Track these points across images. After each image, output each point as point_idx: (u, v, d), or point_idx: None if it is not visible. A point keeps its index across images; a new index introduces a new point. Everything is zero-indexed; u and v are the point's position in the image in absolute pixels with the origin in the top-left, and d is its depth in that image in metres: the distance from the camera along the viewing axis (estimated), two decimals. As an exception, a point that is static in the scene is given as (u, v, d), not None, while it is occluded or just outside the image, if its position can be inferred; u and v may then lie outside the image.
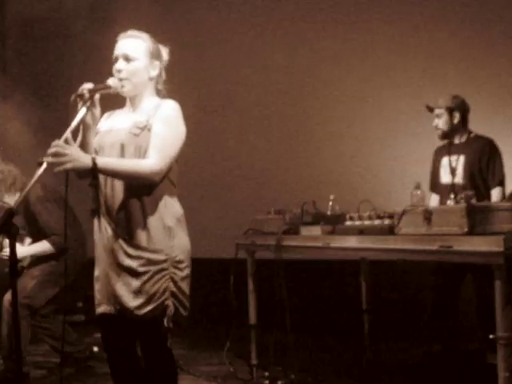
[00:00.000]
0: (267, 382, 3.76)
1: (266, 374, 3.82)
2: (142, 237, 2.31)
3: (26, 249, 3.94)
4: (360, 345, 4.42)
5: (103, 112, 2.52)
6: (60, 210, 3.77)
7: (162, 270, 2.32)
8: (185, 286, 2.38)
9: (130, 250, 2.32)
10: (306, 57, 5.42)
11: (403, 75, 4.90)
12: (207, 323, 5.64)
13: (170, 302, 2.32)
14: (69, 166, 2.17)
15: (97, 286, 2.43)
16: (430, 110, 4.07)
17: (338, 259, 4.75)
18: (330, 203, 3.65)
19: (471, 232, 2.47)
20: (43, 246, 3.88)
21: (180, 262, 2.37)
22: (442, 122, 4.02)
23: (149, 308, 2.30)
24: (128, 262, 2.32)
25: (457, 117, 4.01)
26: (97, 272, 2.44)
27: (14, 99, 5.11)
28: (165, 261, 2.32)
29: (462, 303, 4.10)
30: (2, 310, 3.87)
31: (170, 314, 2.32)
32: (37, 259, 3.94)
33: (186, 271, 2.40)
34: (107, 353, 2.50)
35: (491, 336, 2.43)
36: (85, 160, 2.20)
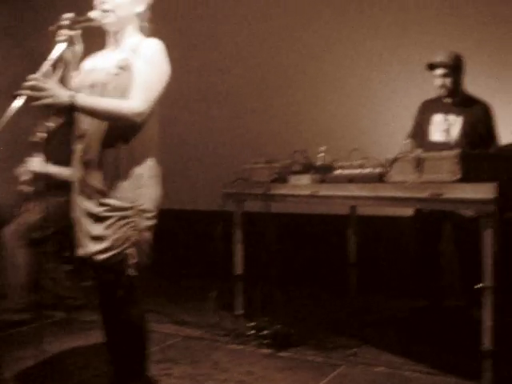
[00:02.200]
0: (253, 331, 3.74)
1: (252, 323, 3.79)
2: (110, 184, 2.24)
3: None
4: (346, 298, 4.41)
5: (88, 50, 2.43)
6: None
7: (126, 217, 2.25)
8: (148, 236, 2.32)
9: (98, 196, 2.26)
10: (300, 13, 5.28)
11: (396, 28, 4.77)
12: (194, 274, 5.63)
13: (131, 251, 2.26)
14: (47, 101, 2.08)
15: (75, 228, 2.39)
16: (432, 67, 3.95)
17: (326, 213, 4.75)
18: (322, 154, 3.58)
19: (464, 179, 2.41)
20: (59, 170, 3.91)
21: (146, 210, 2.29)
22: (449, 81, 3.91)
23: (109, 254, 2.24)
24: (93, 207, 2.26)
25: (461, 75, 3.93)
26: (72, 213, 2.40)
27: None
28: (130, 208, 2.25)
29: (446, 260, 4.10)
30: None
31: (130, 262, 2.26)
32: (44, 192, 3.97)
33: (152, 221, 2.33)
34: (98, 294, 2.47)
35: (477, 286, 2.39)
36: (64, 96, 2.11)
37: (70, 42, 2.27)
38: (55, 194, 3.94)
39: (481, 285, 2.37)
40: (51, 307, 4.28)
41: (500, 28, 4.34)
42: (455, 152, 2.47)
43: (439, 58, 3.92)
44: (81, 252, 2.33)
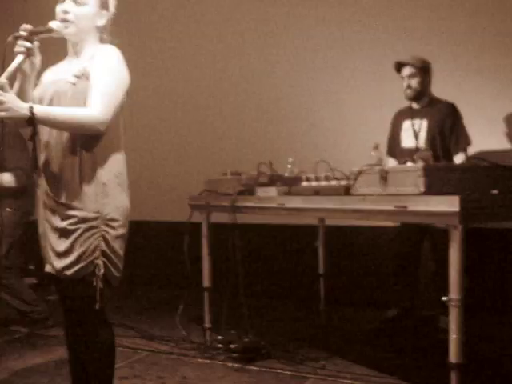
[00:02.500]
0: (220, 345, 3.70)
1: (220, 337, 3.75)
2: (74, 195, 2.18)
3: None
4: (315, 309, 4.40)
5: (46, 62, 2.38)
6: (25, 151, 3.73)
7: (92, 227, 2.18)
8: (117, 246, 2.25)
9: (62, 209, 2.19)
10: (268, 16, 5.27)
11: (360, 37, 4.79)
12: (162, 287, 5.57)
13: (100, 261, 2.19)
14: (4, 114, 2.02)
15: (41, 245, 2.33)
16: (400, 67, 3.98)
17: (295, 224, 4.74)
18: (289, 166, 3.57)
19: (428, 192, 2.41)
20: (4, 178, 3.84)
21: (113, 219, 2.23)
22: (415, 82, 3.96)
23: (77, 267, 2.18)
24: (59, 222, 2.20)
25: (428, 78, 3.97)
26: (39, 229, 2.34)
27: None
28: (95, 218, 2.19)
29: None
30: None
31: (99, 273, 2.19)
32: None
33: (121, 230, 2.26)
34: (64, 312, 2.40)
35: (444, 298, 2.39)
36: (23, 108, 2.05)
37: (29, 53, 2.21)
38: (4, 202, 3.87)
39: (445, 298, 2.36)
40: (14, 322, 4.20)
41: (467, 36, 4.40)
42: (419, 165, 2.47)
43: (406, 59, 3.97)
44: (48, 268, 2.27)
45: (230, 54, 5.44)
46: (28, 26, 2.19)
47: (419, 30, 4.53)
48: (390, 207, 2.49)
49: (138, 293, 5.45)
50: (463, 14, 4.41)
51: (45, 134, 2.24)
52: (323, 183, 2.98)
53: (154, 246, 5.77)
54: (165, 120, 5.77)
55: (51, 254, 2.23)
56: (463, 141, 3.92)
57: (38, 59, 2.27)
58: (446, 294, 2.40)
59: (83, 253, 2.18)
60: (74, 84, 2.19)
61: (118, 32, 2.44)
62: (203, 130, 5.57)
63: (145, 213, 5.44)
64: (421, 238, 4.02)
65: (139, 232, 5.28)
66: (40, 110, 2.09)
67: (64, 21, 2.25)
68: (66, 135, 2.20)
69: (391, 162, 4.08)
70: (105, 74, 2.19)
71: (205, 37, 5.55)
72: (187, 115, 5.62)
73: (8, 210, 3.90)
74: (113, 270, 2.24)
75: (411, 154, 3.67)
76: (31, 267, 5.57)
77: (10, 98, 2.05)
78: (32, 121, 2.08)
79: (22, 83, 2.24)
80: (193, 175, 5.11)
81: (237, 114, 5.38)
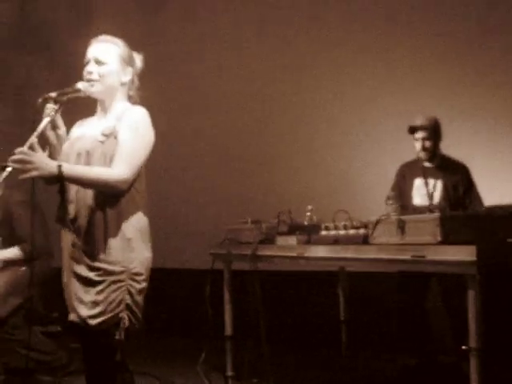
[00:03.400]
0: (242, 394, 3.70)
1: (242, 386, 3.76)
2: (100, 248, 2.27)
3: None
4: (337, 356, 4.38)
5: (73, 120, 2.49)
6: (39, 223, 3.78)
7: (119, 281, 2.27)
8: (140, 299, 2.33)
9: (88, 261, 2.28)
10: (283, 63, 5.41)
11: (379, 90, 4.89)
12: (183, 335, 5.57)
13: (124, 314, 2.27)
14: (34, 173, 2.12)
15: (65, 294, 2.40)
16: (413, 130, 4.04)
17: (316, 270, 4.76)
18: (308, 213, 3.62)
19: (445, 241, 2.45)
20: (14, 252, 3.86)
21: (138, 274, 2.31)
22: (429, 144, 4.01)
23: (102, 318, 2.25)
24: (85, 272, 2.28)
25: (440, 138, 4.03)
26: (64, 279, 2.41)
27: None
28: (122, 272, 2.27)
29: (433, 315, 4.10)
30: None
31: (123, 326, 2.26)
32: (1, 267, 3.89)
33: (144, 284, 2.35)
34: (84, 361, 2.45)
35: (464, 347, 2.40)
36: (51, 167, 2.15)
37: (58, 111, 2.32)
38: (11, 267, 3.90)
39: (465, 347, 2.37)
40: (37, 372, 4.19)
41: (476, 89, 4.47)
42: (436, 215, 2.51)
43: (419, 121, 4.03)
44: (72, 317, 2.32)
45: (250, 103, 5.56)
46: (55, 94, 2.31)
47: (433, 77, 4.62)
48: (408, 257, 2.53)
49: (160, 341, 5.46)
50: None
51: (72, 188, 2.33)
52: (342, 232, 3.02)
53: (176, 294, 5.79)
54: (185, 167, 5.87)
55: (76, 303, 2.30)
56: (477, 204, 3.95)
57: (62, 130, 2.39)
58: (464, 340, 2.42)
59: (109, 305, 2.25)
60: (102, 142, 2.29)
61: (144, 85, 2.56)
62: (223, 177, 5.65)
63: (166, 260, 5.50)
64: (424, 285, 4.01)
65: (160, 279, 5.34)
66: (68, 169, 2.19)
67: (89, 81, 2.37)
68: (91, 191, 2.29)
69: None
70: (131, 136, 2.29)
71: (222, 84, 5.68)
72: (208, 163, 5.72)
73: (22, 268, 3.90)
74: (135, 322, 2.31)
75: (424, 212, 3.73)
76: (55, 315, 5.61)
77: (40, 157, 2.16)
78: (59, 179, 2.19)
79: (51, 154, 2.34)
80: (213, 222, 5.19)
81: (257, 162, 5.46)
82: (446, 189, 3.97)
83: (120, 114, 2.36)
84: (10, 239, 3.87)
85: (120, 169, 2.24)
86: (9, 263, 3.87)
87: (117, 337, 2.25)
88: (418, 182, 4.07)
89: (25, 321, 4.03)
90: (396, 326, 4.13)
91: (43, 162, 2.15)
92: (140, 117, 2.35)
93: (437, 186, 4.00)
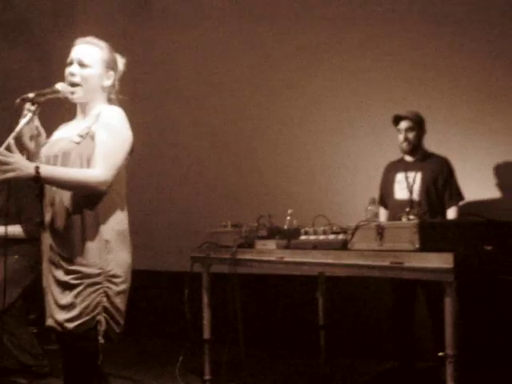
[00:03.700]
0: (220, 398, 3.69)
1: (219, 390, 3.75)
2: (77, 251, 2.24)
3: None
4: (316, 360, 4.38)
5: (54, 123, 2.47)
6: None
7: (95, 283, 2.24)
8: (119, 302, 2.30)
9: (66, 265, 2.25)
10: (270, 68, 5.40)
11: (357, 90, 4.90)
12: (161, 337, 5.55)
13: (101, 317, 2.24)
14: (11, 174, 2.10)
15: (45, 298, 2.37)
16: (398, 119, 4.06)
17: (296, 274, 4.76)
18: (288, 218, 3.62)
19: (423, 248, 2.46)
20: (14, 229, 3.86)
21: (115, 276, 2.28)
22: (412, 135, 4.04)
23: (79, 321, 2.22)
24: (63, 276, 2.25)
25: (422, 132, 4.06)
26: (43, 283, 2.39)
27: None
28: (98, 274, 2.25)
29: (417, 320, 4.12)
30: None
31: (101, 329, 2.24)
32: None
33: (122, 286, 2.32)
34: (63, 365, 2.42)
35: (440, 354, 2.42)
36: (28, 169, 2.13)
37: (36, 112, 2.30)
38: (11, 249, 3.84)
39: (441, 353, 2.39)
40: (14, 373, 4.17)
41: (460, 88, 4.50)
42: (414, 222, 2.52)
43: (404, 112, 4.06)
44: (50, 322, 2.29)
45: (229, 107, 5.56)
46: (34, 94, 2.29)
47: (414, 82, 4.64)
48: (386, 263, 2.54)
49: (137, 343, 5.43)
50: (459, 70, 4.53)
51: (51, 190, 2.31)
52: (321, 237, 3.03)
53: (154, 296, 5.77)
54: (165, 171, 5.85)
55: (53, 306, 2.27)
56: (456, 196, 3.99)
57: (43, 137, 2.39)
58: (443, 345, 2.43)
59: (85, 308, 2.22)
60: (78, 143, 2.27)
61: (122, 89, 2.54)
62: (203, 181, 5.65)
63: (145, 262, 5.47)
64: (414, 288, 4.04)
65: (139, 282, 5.31)
66: (46, 170, 2.16)
67: (71, 83, 2.35)
68: (69, 193, 2.26)
69: (382, 213, 4.15)
70: (108, 136, 2.27)
71: (206, 87, 5.67)
72: (188, 166, 5.71)
73: (15, 257, 3.88)
74: (114, 325, 2.28)
75: (404, 205, 3.75)
76: (32, 316, 5.56)
77: (17, 158, 2.13)
78: (38, 180, 2.16)
79: (30, 159, 2.31)
80: (194, 225, 5.17)
81: (237, 166, 5.46)
82: (424, 181, 3.99)
83: (95, 115, 2.34)
84: (13, 219, 3.86)
85: (100, 170, 2.22)
86: (8, 240, 3.78)
87: (94, 339, 2.22)
88: (400, 177, 4.10)
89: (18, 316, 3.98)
90: (387, 326, 4.16)
91: (20, 163, 2.12)
92: (116, 116, 2.33)
93: (416, 179, 4.03)
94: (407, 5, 4.74)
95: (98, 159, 2.23)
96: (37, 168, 2.14)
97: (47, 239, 2.32)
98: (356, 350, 4.76)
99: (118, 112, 2.35)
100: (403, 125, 4.06)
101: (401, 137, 4.08)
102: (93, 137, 2.28)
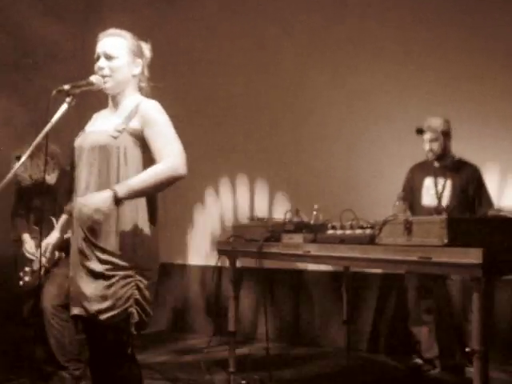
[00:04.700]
0: (244, 390, 3.72)
1: (243, 382, 3.77)
2: (111, 242, 2.28)
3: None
4: (340, 355, 4.39)
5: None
6: None
7: (128, 276, 2.28)
8: (149, 294, 2.35)
9: (99, 254, 2.28)
10: (288, 64, 5.41)
11: (387, 92, 4.89)
12: (187, 330, 5.60)
13: (133, 310, 2.28)
14: (97, 216, 2.15)
15: (71, 288, 2.39)
16: (420, 132, 4.05)
17: (320, 270, 4.78)
18: (314, 212, 3.63)
19: (451, 244, 2.45)
20: None
21: (147, 269, 2.33)
22: (437, 146, 4.02)
23: (112, 313, 2.26)
24: (96, 265, 2.28)
25: (449, 140, 4.04)
26: (70, 273, 2.40)
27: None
28: (131, 268, 2.29)
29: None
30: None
31: (133, 321, 2.28)
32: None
33: (152, 279, 2.37)
34: (90, 351, 2.45)
35: (467, 349, 2.41)
36: (106, 201, 2.16)
37: (71, 103, 2.34)
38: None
39: (468, 349, 2.38)
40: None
41: (487, 95, 4.47)
42: (442, 217, 2.51)
43: (427, 123, 4.04)
44: (78, 311, 2.31)
45: (255, 100, 5.56)
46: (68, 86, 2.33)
47: (440, 86, 4.62)
48: (414, 258, 2.53)
49: (163, 335, 5.49)
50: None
51: (83, 182, 2.35)
52: (348, 232, 3.02)
53: (180, 289, 5.82)
54: (194, 168, 5.88)
55: (83, 296, 2.29)
56: (486, 205, 3.95)
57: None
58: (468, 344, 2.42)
59: (118, 300, 2.26)
60: (116, 138, 2.31)
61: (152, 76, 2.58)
62: (231, 176, 5.67)
63: (171, 255, 5.53)
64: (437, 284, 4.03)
65: (165, 275, 5.38)
66: (122, 191, 2.18)
67: (102, 76, 2.39)
68: (104, 184, 2.28)
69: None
70: (159, 128, 2.32)
71: (230, 81, 5.69)
72: (214, 159, 5.72)
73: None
74: (144, 316, 2.32)
75: (432, 212, 3.74)
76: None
77: (92, 199, 2.17)
78: (121, 202, 2.19)
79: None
80: (220, 219, 5.21)
81: (264, 161, 5.47)
82: (454, 189, 3.97)
83: (133, 109, 2.37)
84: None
85: (171, 159, 2.26)
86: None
87: (127, 332, 2.26)
88: (428, 182, 4.07)
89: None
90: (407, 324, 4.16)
91: (97, 202, 2.15)
92: (157, 108, 2.38)
93: (446, 186, 4.00)
94: (438, 12, 4.72)
95: (163, 151, 2.28)
96: (114, 195, 2.16)
97: (78, 230, 2.34)
98: (379, 346, 4.76)
99: (157, 105, 2.39)
100: (426, 136, 4.05)
101: (426, 146, 4.06)
102: (131, 131, 2.32)
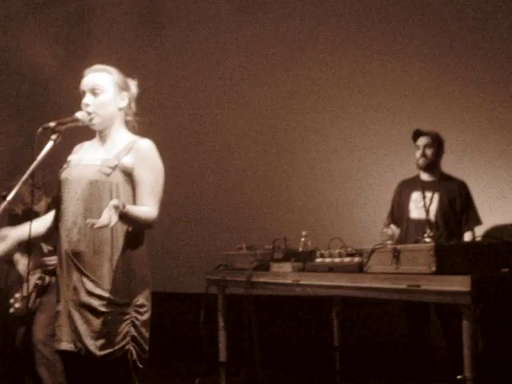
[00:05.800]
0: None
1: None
2: (105, 277, 2.27)
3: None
4: (331, 382, 4.37)
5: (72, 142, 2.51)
6: None
7: (124, 313, 2.27)
8: (145, 330, 2.34)
9: (92, 288, 2.26)
10: (281, 90, 5.45)
11: (373, 114, 4.93)
12: (177, 359, 5.54)
13: (131, 347, 2.28)
14: (114, 221, 2.11)
15: (58, 322, 2.36)
16: (418, 134, 4.07)
17: (310, 296, 4.76)
18: (302, 239, 3.64)
19: (439, 271, 2.47)
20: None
21: (141, 306, 2.32)
22: (430, 152, 4.03)
23: (109, 350, 2.24)
24: (89, 299, 2.26)
25: (441, 152, 4.06)
26: (59, 307, 2.38)
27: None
28: (127, 304, 2.28)
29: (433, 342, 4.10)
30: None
31: (131, 358, 2.27)
32: None
33: (147, 315, 2.36)
34: None
35: (459, 376, 2.42)
36: (118, 208, 2.14)
37: (57, 139, 2.34)
38: None
39: (460, 376, 2.39)
40: None
41: (483, 113, 4.52)
42: (430, 245, 2.54)
43: (426, 129, 4.07)
44: (68, 347, 2.29)
45: (246, 131, 5.58)
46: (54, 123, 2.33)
47: (430, 106, 4.67)
48: (403, 286, 2.55)
49: (153, 365, 5.41)
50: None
51: (72, 215, 2.32)
52: (337, 260, 3.04)
53: (170, 318, 5.77)
54: (180, 193, 5.88)
55: (76, 332, 2.26)
56: (473, 221, 3.97)
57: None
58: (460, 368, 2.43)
59: (115, 337, 2.25)
60: (108, 175, 2.31)
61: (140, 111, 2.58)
62: (220, 203, 5.66)
63: (160, 284, 5.47)
64: (428, 310, 4.03)
65: (154, 303, 5.33)
66: (126, 206, 2.18)
67: (87, 113, 2.39)
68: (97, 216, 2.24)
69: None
70: (150, 174, 2.36)
71: (218, 102, 5.70)
72: (202, 189, 5.73)
73: None
74: (141, 353, 2.32)
75: (420, 225, 3.74)
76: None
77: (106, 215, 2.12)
78: (125, 216, 2.17)
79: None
80: (209, 247, 5.19)
81: (251, 188, 5.48)
82: (441, 202, 3.97)
83: (127, 146, 2.38)
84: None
85: (153, 209, 2.32)
86: None
87: (123, 367, 2.26)
88: (416, 196, 4.06)
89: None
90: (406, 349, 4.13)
91: (108, 211, 2.12)
92: (151, 152, 2.40)
93: (433, 199, 4.00)
94: (436, 20, 4.78)
95: (147, 198, 2.32)
96: (122, 204, 2.16)
97: (65, 261, 2.31)
98: (371, 372, 4.73)
99: (152, 145, 2.42)
100: (422, 141, 4.04)
101: (418, 153, 4.05)
102: (123, 168, 2.33)
